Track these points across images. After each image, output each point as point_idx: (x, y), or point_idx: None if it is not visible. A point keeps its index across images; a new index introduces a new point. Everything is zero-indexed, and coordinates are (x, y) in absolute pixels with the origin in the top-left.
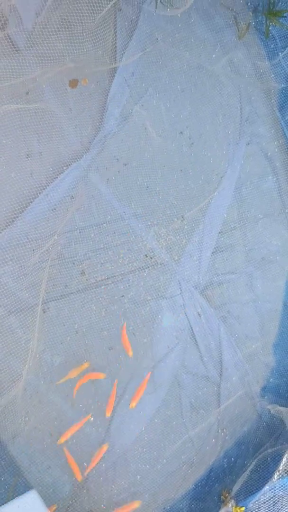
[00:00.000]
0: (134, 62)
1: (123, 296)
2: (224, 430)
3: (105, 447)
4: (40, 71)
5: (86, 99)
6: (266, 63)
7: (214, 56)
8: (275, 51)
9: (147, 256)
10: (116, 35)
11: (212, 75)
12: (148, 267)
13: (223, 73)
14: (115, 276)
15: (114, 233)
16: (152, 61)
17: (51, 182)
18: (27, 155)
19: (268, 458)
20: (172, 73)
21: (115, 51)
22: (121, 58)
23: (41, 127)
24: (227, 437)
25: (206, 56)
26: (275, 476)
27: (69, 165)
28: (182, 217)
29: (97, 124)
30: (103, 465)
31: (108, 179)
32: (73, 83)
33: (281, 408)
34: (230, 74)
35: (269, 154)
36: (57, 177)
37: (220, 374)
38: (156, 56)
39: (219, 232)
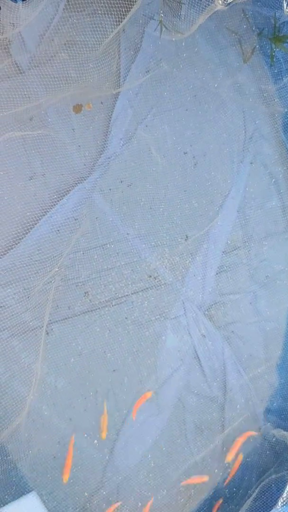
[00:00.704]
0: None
1: (127, 317)
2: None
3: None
4: (44, 98)
5: (90, 121)
6: (271, 86)
7: (218, 78)
8: (280, 75)
9: (150, 277)
10: (120, 58)
11: (216, 96)
12: (152, 288)
13: (227, 95)
14: (118, 297)
15: (118, 254)
16: (156, 82)
17: (55, 204)
18: (30, 177)
19: (272, 485)
20: (176, 93)
21: (119, 74)
22: (124, 82)
23: (45, 150)
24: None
25: (210, 78)
26: (279, 503)
27: (73, 187)
28: (186, 237)
29: (101, 145)
30: (105, 492)
31: (111, 200)
32: (77, 108)
33: (286, 433)
34: (234, 96)
35: (273, 174)
36: (60, 199)
37: (224, 396)
38: (160, 77)
39: (223, 252)
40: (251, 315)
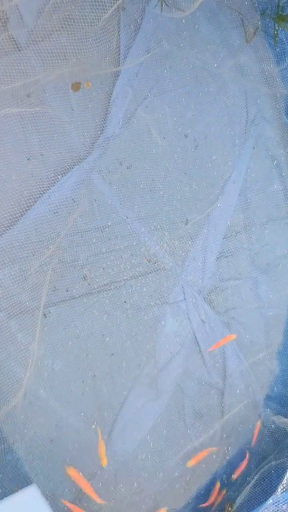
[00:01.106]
0: (138, 63)
1: (126, 301)
2: (228, 438)
3: None
4: (42, 73)
5: (88, 100)
6: (273, 67)
7: (220, 58)
8: (283, 55)
9: (150, 261)
10: (119, 36)
11: (218, 77)
12: (151, 272)
13: (229, 76)
14: (117, 281)
15: (117, 237)
16: (156, 62)
17: (53, 185)
18: (28, 157)
19: (272, 471)
20: (177, 74)
21: (119, 53)
22: (124, 60)
23: (43, 128)
24: (230, 446)
25: (212, 58)
26: (279, 489)
27: (71, 167)
28: (186, 221)
29: (100, 125)
30: (105, 474)
31: (110, 182)
32: (76, 87)
33: (286, 420)
34: (236, 77)
35: (275, 159)
36: (58, 180)
37: (224, 381)
38: (160, 57)
39: (224, 237)
40: (252, 301)
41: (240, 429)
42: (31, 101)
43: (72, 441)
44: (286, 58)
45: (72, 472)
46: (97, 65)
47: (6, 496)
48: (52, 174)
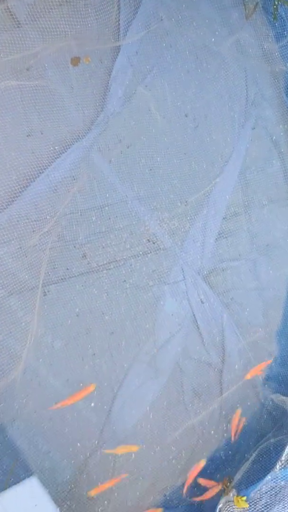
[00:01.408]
0: (137, 40)
1: (125, 281)
2: (226, 416)
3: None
4: (41, 46)
5: (88, 78)
6: (273, 44)
7: (220, 36)
8: (283, 33)
9: (149, 241)
10: (119, 11)
11: (218, 55)
12: (151, 252)
13: (229, 54)
14: (117, 260)
15: (116, 216)
16: (156, 40)
17: (53, 162)
18: (28, 134)
19: (271, 448)
20: (177, 52)
21: (119, 28)
22: (124, 36)
23: (42, 105)
24: (229, 424)
25: (212, 36)
26: (277, 466)
27: (71, 145)
28: (186, 201)
29: (100, 103)
30: (102, 454)
31: (110, 160)
32: (75, 61)
33: (285, 398)
34: (236, 55)
35: (274, 138)
36: (58, 157)
37: (223, 361)
38: (160, 35)
39: (223, 217)
40: (251, 282)
41: (239, 407)
42: (30, 74)
43: (72, 418)
44: (286, 35)
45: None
46: (96, 39)
47: (5, 472)
48: (52, 153)
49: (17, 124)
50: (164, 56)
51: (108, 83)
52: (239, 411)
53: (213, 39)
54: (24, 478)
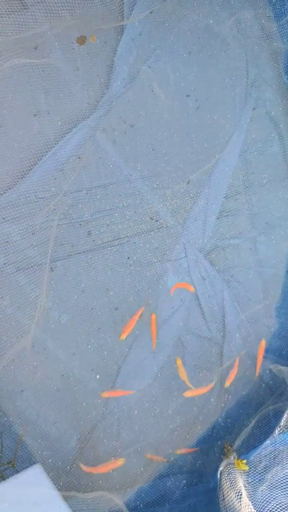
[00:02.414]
0: (141, 22)
1: (129, 257)
2: (226, 389)
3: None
4: (48, 25)
5: (94, 58)
6: (273, 23)
7: (220, 16)
8: (283, 11)
9: (152, 219)
10: None
11: (219, 36)
12: (154, 230)
13: (230, 34)
14: (121, 238)
15: (120, 195)
16: (159, 22)
17: (59, 141)
18: (35, 113)
19: (270, 414)
20: (179, 34)
21: (123, 8)
22: (128, 16)
23: (49, 85)
24: (229, 396)
25: (213, 17)
26: (276, 431)
27: (76, 124)
28: (188, 181)
29: (104, 84)
30: (108, 421)
31: (114, 140)
32: (81, 40)
33: (283, 368)
34: (236, 35)
35: (274, 119)
36: (64, 136)
37: (223, 336)
38: (163, 16)
39: (224, 196)
40: (251, 260)
41: (239, 380)
42: (38, 53)
43: (78, 390)
44: (285, 13)
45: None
46: (101, 19)
47: (14, 441)
48: (58, 131)
49: (24, 104)
50: (166, 37)
51: (113, 64)
52: (263, 342)
53: (214, 20)
54: (32, 448)
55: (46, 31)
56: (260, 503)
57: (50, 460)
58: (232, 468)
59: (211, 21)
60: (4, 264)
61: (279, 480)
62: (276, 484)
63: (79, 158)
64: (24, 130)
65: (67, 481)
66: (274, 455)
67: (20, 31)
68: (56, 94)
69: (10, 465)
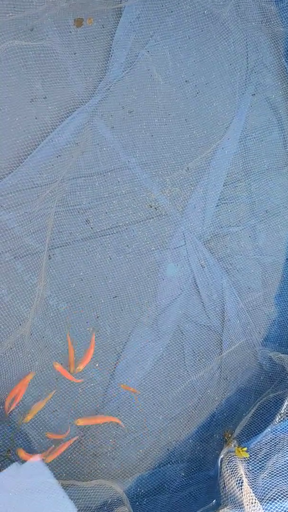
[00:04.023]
0: (139, 5)
1: (128, 246)
2: (226, 378)
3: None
4: (44, 6)
5: (91, 42)
6: (273, 6)
7: (221, 1)
8: None
9: (151, 207)
10: None
11: (219, 20)
12: (152, 218)
13: (230, 18)
14: (119, 225)
15: (119, 182)
16: (157, 4)
17: (56, 127)
18: (31, 99)
19: (270, 402)
20: (178, 18)
21: None
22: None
23: (45, 69)
24: (229, 384)
25: (212, 0)
26: (277, 419)
27: (74, 110)
28: (187, 168)
29: (102, 69)
30: (108, 410)
31: (113, 126)
32: (78, 22)
33: (283, 356)
34: (236, 19)
35: (274, 104)
36: (61, 122)
37: (222, 324)
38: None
39: (224, 184)
40: (250, 248)
41: (238, 368)
42: (34, 35)
43: (77, 378)
44: None
45: None
46: (98, 0)
47: (13, 429)
48: (55, 117)
49: (20, 88)
50: (165, 21)
51: (110, 48)
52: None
53: (213, 3)
54: (31, 437)
55: (43, 12)
56: (261, 490)
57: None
58: (233, 456)
59: (210, 4)
60: (1, 251)
61: (280, 468)
62: (277, 472)
63: (77, 144)
64: (21, 116)
65: (66, 469)
66: (275, 442)
67: (16, 11)
68: (53, 78)
69: (7, 455)
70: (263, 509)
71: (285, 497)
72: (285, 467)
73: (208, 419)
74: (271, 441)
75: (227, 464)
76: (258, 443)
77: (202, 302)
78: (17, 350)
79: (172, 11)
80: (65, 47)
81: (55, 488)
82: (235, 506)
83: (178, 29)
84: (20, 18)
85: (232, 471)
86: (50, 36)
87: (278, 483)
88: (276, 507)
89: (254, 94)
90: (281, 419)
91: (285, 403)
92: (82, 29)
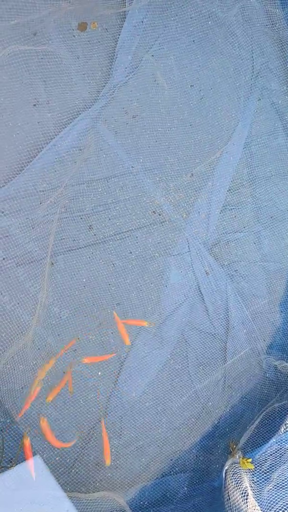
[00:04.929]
0: (143, 9)
1: (131, 252)
2: (231, 386)
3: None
4: (48, 10)
5: (95, 46)
6: (279, 10)
7: (225, 3)
8: None
9: (155, 213)
10: None
11: (224, 24)
12: (156, 224)
13: (235, 22)
14: (123, 232)
15: (122, 188)
16: (162, 8)
17: (59, 132)
18: (34, 103)
19: (275, 412)
20: (183, 22)
21: None
22: (131, 1)
23: (48, 74)
24: (233, 393)
25: (217, 3)
26: (282, 429)
27: (77, 115)
28: (191, 173)
29: (105, 73)
30: (111, 419)
31: (116, 131)
32: (82, 26)
33: None
34: (242, 23)
35: (280, 110)
36: (65, 127)
37: (227, 332)
38: (166, 2)
39: (228, 190)
40: (255, 254)
41: (243, 377)
42: (37, 39)
43: (79, 387)
44: None
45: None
46: (102, 4)
47: (17, 438)
48: (58, 122)
49: (23, 93)
50: (170, 25)
51: (114, 52)
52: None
53: (219, 6)
54: (32, 446)
55: (46, 16)
56: (267, 503)
57: (51, 459)
58: (237, 467)
59: (215, 8)
60: (3, 258)
61: (286, 480)
62: (283, 484)
63: (80, 149)
64: (23, 121)
65: (68, 480)
66: (280, 453)
67: (19, 16)
68: (56, 83)
69: (10, 465)
70: None
71: None
72: None
73: (212, 428)
74: (276, 452)
75: (232, 476)
76: (263, 454)
77: (206, 309)
78: (19, 359)
79: (176, 15)
80: (68, 52)
81: (61, 500)
82: None
83: (183, 33)
84: (23, 22)
85: (237, 483)
86: (53, 40)
87: (284, 496)
88: None
89: (260, 99)
90: (286, 429)
91: None
92: (86, 33)
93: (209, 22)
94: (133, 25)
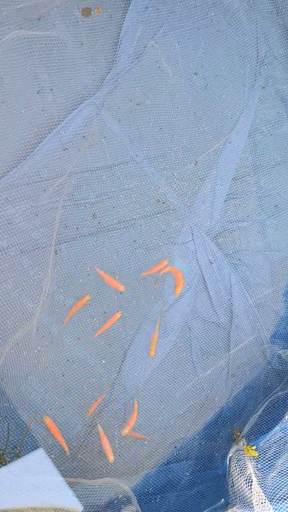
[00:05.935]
0: None
1: (135, 241)
2: (234, 375)
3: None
4: None
5: (99, 32)
6: None
7: None
8: None
9: (159, 201)
10: None
11: (229, 10)
12: (160, 213)
13: (240, 8)
14: (127, 220)
15: (126, 176)
16: None
17: (62, 120)
18: (38, 91)
19: (279, 400)
20: (187, 8)
21: None
22: None
23: (52, 61)
24: (237, 382)
25: None
26: (286, 417)
27: (81, 102)
28: (196, 162)
29: (109, 60)
30: (113, 409)
31: (120, 119)
32: (86, 12)
33: None
34: (247, 10)
35: (285, 98)
36: (68, 114)
37: (230, 321)
38: None
39: (232, 178)
40: (259, 244)
41: (246, 365)
42: (41, 24)
43: (83, 375)
44: None
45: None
46: None
47: (20, 427)
48: (62, 109)
49: (27, 80)
50: (174, 12)
51: (118, 39)
52: None
53: None
54: (36, 434)
55: (51, 1)
56: (271, 490)
57: (55, 446)
58: (242, 454)
59: None
60: (8, 246)
61: None
62: (287, 471)
63: (84, 137)
64: (27, 108)
65: (73, 467)
66: (284, 441)
67: (23, 0)
68: (59, 70)
69: (15, 452)
70: (273, 509)
71: None
72: None
73: (216, 416)
74: (280, 439)
75: (236, 462)
76: (267, 442)
77: (210, 298)
78: (24, 346)
79: (181, 1)
80: (72, 38)
81: (61, 486)
82: (244, 506)
83: (188, 20)
84: (27, 7)
85: (241, 470)
86: (57, 26)
87: None
88: (287, 507)
89: (264, 87)
90: None
91: None
92: (90, 19)
93: (214, 9)
94: (138, 12)
